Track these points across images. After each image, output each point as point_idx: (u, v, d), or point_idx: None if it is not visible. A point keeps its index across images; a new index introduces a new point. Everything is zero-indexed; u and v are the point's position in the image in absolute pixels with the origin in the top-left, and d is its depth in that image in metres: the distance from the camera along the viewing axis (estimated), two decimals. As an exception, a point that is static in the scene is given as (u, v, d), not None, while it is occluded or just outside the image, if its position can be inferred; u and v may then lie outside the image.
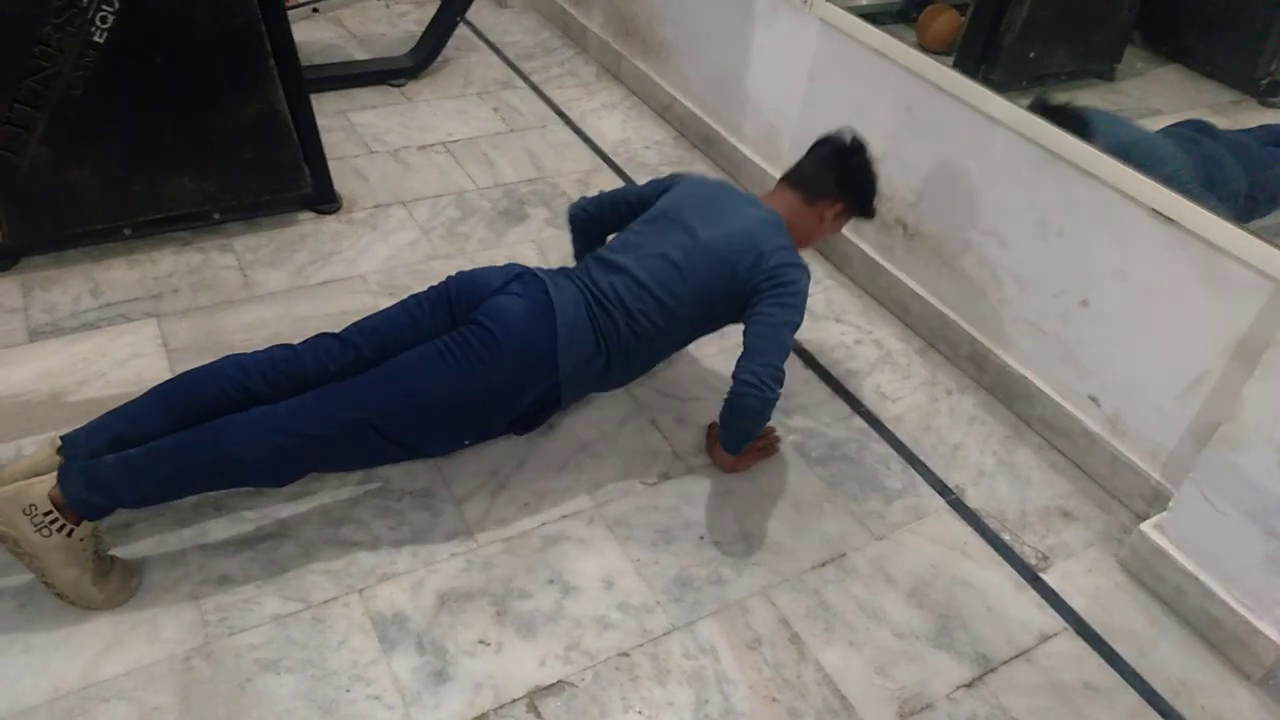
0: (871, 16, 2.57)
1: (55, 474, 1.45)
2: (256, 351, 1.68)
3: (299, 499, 1.75)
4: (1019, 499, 1.97)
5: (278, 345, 1.71)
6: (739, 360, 1.72)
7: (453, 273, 1.82)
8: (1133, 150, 1.95)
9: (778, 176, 2.73)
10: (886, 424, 2.12)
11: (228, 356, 1.67)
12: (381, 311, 1.79)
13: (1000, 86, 2.19)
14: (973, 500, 1.95)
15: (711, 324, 1.90)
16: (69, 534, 1.44)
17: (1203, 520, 1.68)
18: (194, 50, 2.18)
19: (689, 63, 3.07)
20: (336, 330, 1.75)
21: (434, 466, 1.86)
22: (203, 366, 1.66)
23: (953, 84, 2.14)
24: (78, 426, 1.58)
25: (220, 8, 2.16)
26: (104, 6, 2.02)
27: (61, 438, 1.56)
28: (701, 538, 1.80)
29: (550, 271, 1.82)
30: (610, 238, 1.99)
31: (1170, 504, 1.77)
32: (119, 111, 2.15)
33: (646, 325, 1.77)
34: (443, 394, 1.63)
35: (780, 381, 1.70)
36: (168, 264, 2.31)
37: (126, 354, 2.03)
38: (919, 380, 2.26)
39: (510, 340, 1.66)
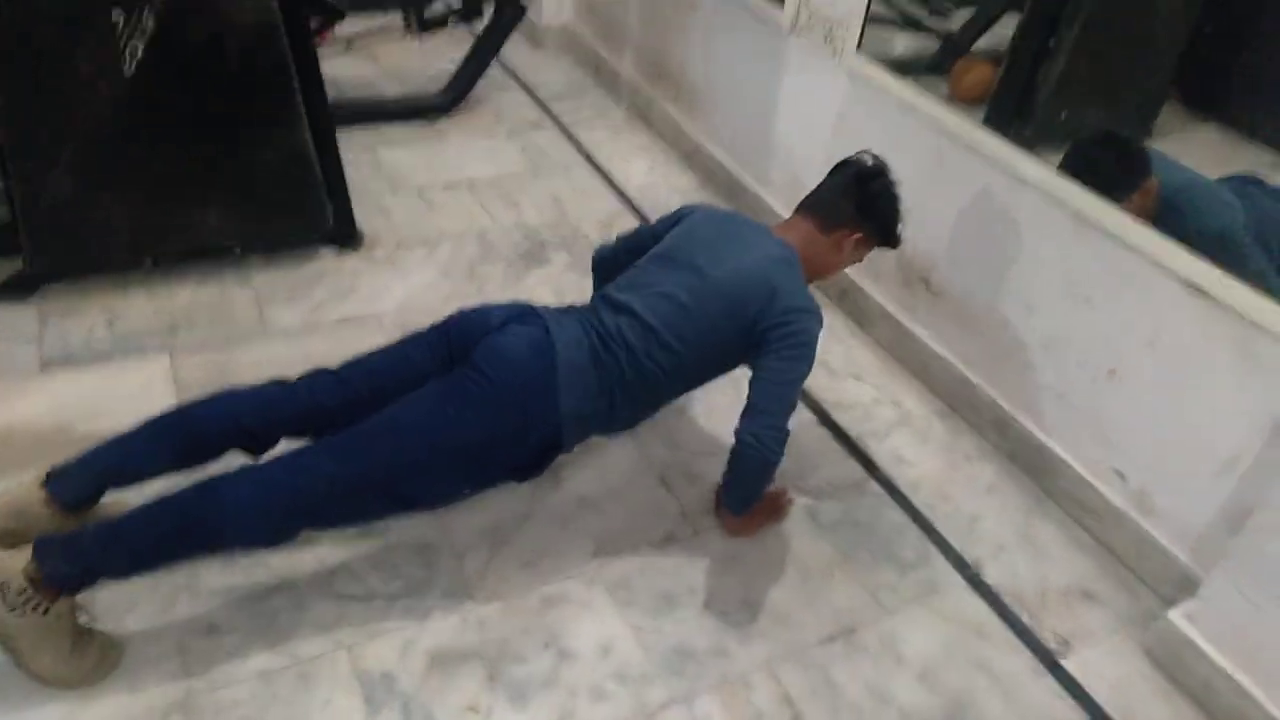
0: (904, 66, 2.54)
1: (29, 548, 1.38)
2: (252, 386, 1.65)
3: (293, 546, 1.71)
4: (1039, 577, 1.89)
5: (273, 381, 1.67)
6: (742, 416, 1.67)
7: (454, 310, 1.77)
8: (1191, 193, 1.90)
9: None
10: (902, 489, 2.05)
11: (223, 391, 1.64)
12: (380, 350, 1.73)
13: (1031, 142, 2.14)
14: (990, 576, 1.88)
15: (720, 367, 1.82)
16: (45, 612, 1.37)
17: (1235, 612, 1.59)
18: (222, 85, 2.20)
19: (718, 109, 3.06)
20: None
21: (435, 518, 1.82)
22: (195, 401, 1.63)
23: (983, 142, 2.10)
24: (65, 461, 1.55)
25: (250, 45, 2.18)
26: (134, 40, 2.05)
27: (48, 473, 1.53)
28: (705, 605, 1.74)
29: (554, 310, 1.76)
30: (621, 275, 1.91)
31: (1200, 591, 1.68)
32: (145, 143, 2.17)
33: (651, 367, 1.69)
34: (441, 445, 1.56)
35: (783, 442, 1.66)
36: (185, 297, 2.31)
37: (136, 388, 2.02)
38: (938, 445, 2.19)
39: (506, 384, 1.59)
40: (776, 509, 1.92)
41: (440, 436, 1.56)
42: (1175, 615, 1.71)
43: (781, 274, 1.72)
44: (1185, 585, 1.80)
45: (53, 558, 1.37)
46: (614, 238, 2.06)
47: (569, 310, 1.78)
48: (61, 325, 2.16)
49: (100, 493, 1.57)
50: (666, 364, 1.70)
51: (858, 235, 1.81)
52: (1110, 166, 1.95)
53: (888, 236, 1.84)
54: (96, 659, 1.46)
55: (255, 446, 1.62)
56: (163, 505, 1.45)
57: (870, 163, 1.82)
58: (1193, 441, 1.76)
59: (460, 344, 1.68)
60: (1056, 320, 2.00)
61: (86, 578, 1.41)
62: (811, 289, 1.78)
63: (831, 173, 1.86)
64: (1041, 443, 2.07)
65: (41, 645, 1.39)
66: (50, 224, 2.14)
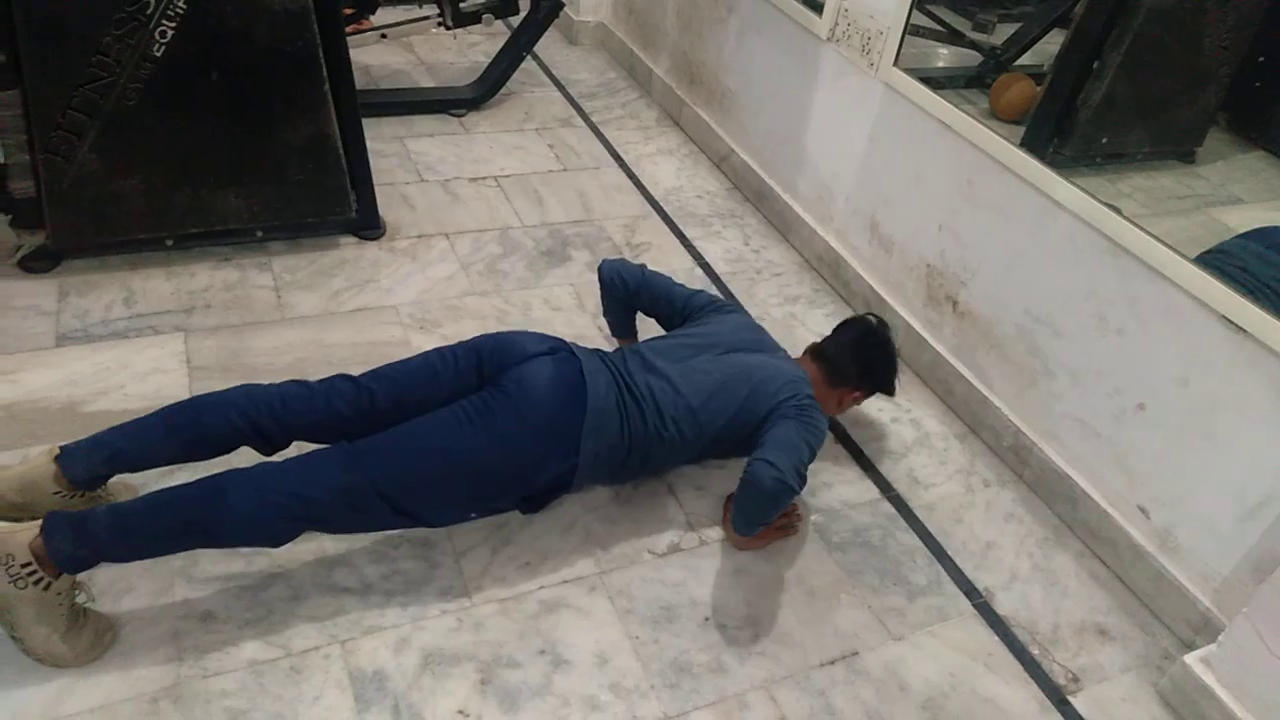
0: (946, 80, 2.49)
1: (37, 523, 1.38)
2: (270, 385, 1.64)
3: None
4: (1053, 610, 1.83)
5: (293, 381, 1.66)
6: (757, 449, 1.65)
7: (485, 331, 1.81)
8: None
9: (827, 239, 2.67)
10: (916, 512, 2.00)
11: (241, 386, 1.63)
12: (402, 360, 1.73)
13: (1072, 162, 2.09)
14: (1002, 606, 1.82)
15: (729, 448, 1.86)
16: (46, 587, 1.37)
17: (1256, 662, 1.53)
18: (250, 69, 2.19)
19: (750, 115, 3.02)
20: (357, 372, 1.71)
21: (438, 514, 1.80)
22: (214, 394, 1.62)
23: (1016, 162, 2.04)
24: (79, 439, 1.55)
25: (280, 29, 2.17)
26: (164, 21, 2.04)
27: (61, 448, 1.52)
28: (706, 619, 1.71)
29: (586, 351, 1.78)
30: (653, 338, 1.94)
31: (1220, 637, 1.62)
32: (170, 124, 2.16)
33: (673, 431, 1.74)
34: (458, 464, 1.56)
35: (802, 477, 1.65)
36: (204, 278, 2.31)
37: (149, 367, 2.02)
38: (955, 467, 2.14)
39: (535, 416, 1.61)
40: (786, 525, 1.88)
41: (458, 458, 1.56)
42: (1192, 659, 1.65)
43: (799, 384, 1.82)
44: (1205, 629, 1.74)
45: (60, 537, 1.37)
46: (635, 259, 2.06)
47: (598, 354, 1.79)
48: (79, 301, 2.17)
49: (110, 474, 1.57)
50: (688, 432, 1.75)
51: (857, 394, 1.98)
52: None
53: (886, 389, 2.01)
54: (91, 640, 1.45)
55: (268, 446, 1.61)
56: (171, 498, 1.45)
57: (873, 324, 2.00)
58: (1221, 483, 1.70)
59: (492, 368, 1.69)
60: (1086, 349, 1.94)
61: (91, 559, 1.40)
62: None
63: (838, 330, 2.02)
64: (1063, 472, 2.01)
65: (39, 620, 1.38)
66: (74, 200, 2.14)
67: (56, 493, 1.53)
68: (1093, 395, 1.94)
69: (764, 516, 1.72)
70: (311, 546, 1.70)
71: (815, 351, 1.98)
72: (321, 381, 1.67)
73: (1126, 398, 1.86)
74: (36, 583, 1.37)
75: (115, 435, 1.56)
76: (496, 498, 1.69)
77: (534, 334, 1.78)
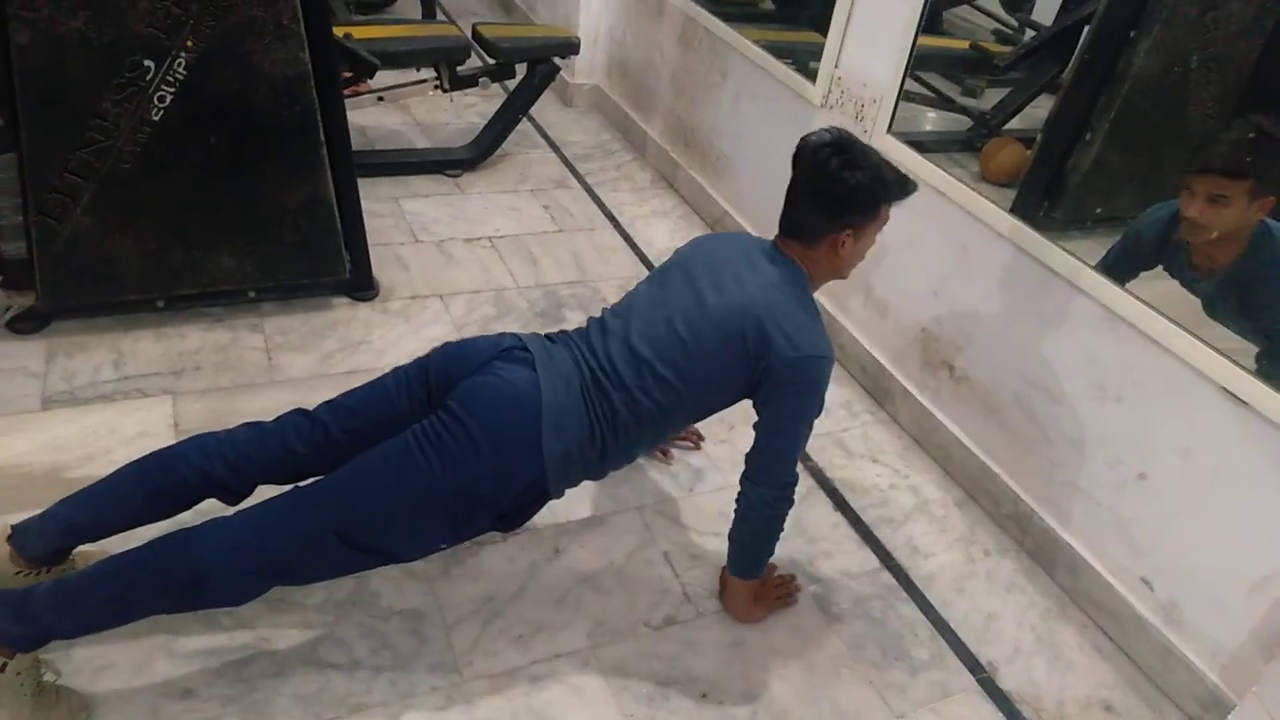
0: (936, 144, 2.51)
1: None
2: (221, 432, 1.57)
3: (279, 608, 1.66)
4: (1057, 685, 1.79)
5: (245, 424, 1.59)
6: (746, 469, 1.61)
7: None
8: None
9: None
10: (917, 582, 1.97)
11: (191, 438, 1.57)
12: (358, 389, 1.64)
13: (1063, 226, 2.10)
14: (1006, 681, 1.78)
15: (722, 400, 1.66)
16: (2, 669, 1.31)
17: (1267, 744, 1.49)
18: (248, 133, 2.19)
19: (744, 178, 3.04)
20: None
21: (428, 585, 1.76)
22: (165, 449, 1.56)
23: (1011, 229, 2.05)
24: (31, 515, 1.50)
25: (280, 94, 2.18)
26: (164, 87, 2.05)
27: (13, 526, 1.48)
28: (704, 695, 1.66)
29: (545, 341, 1.64)
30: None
31: (1230, 717, 1.57)
32: (166, 186, 2.16)
33: (647, 404, 1.56)
34: (414, 497, 1.45)
35: (789, 500, 1.59)
36: (195, 340, 2.29)
37: (135, 431, 1.98)
38: (955, 536, 2.11)
39: (486, 431, 1.46)
40: (786, 595, 1.84)
41: (413, 491, 1.45)
42: (1203, 739, 1.61)
43: (785, 305, 1.56)
44: (1213, 705, 1.70)
45: (3, 619, 1.31)
46: None
47: (560, 339, 1.66)
48: (67, 363, 2.14)
49: (70, 546, 1.52)
50: (663, 400, 1.56)
51: (847, 233, 1.59)
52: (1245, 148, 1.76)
53: (886, 200, 1.58)
54: (63, 718, 1.38)
55: (229, 495, 1.55)
56: (118, 566, 1.38)
57: (813, 139, 1.56)
58: (1226, 556, 1.68)
59: (441, 384, 1.58)
60: (1085, 417, 1.93)
61: (40, 637, 1.35)
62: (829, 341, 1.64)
63: (793, 165, 1.61)
64: (1064, 541, 1.98)
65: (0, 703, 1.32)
66: (66, 261, 2.12)
67: (18, 572, 1.48)
68: (1093, 464, 1.92)
69: (766, 552, 1.68)
70: (296, 619, 1.65)
71: (781, 225, 1.65)
72: (275, 420, 1.60)
73: (1127, 467, 1.85)
74: None
75: (67, 506, 1.50)
76: (464, 524, 1.53)
77: (489, 338, 1.63)
